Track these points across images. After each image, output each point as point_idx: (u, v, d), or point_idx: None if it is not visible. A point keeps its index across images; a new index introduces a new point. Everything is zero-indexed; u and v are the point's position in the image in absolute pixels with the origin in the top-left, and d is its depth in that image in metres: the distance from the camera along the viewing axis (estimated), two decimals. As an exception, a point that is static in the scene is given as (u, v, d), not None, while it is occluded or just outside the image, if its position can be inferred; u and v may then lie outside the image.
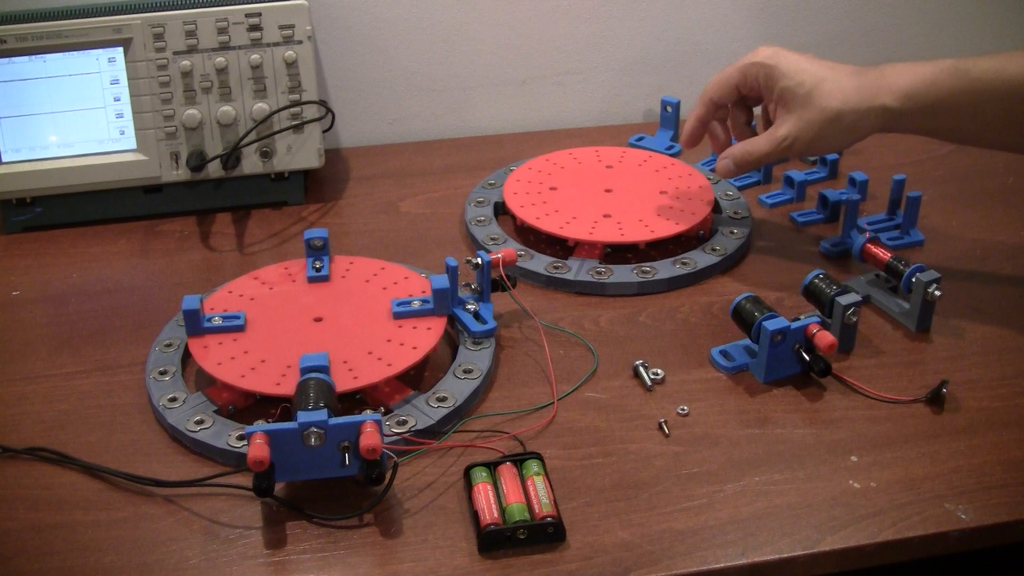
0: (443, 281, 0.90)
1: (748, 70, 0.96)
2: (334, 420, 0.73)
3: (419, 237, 1.09)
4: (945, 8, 1.38)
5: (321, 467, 0.74)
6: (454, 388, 0.84)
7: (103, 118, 1.10)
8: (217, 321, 0.89)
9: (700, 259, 1.01)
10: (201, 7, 1.08)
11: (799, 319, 0.87)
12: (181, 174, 1.12)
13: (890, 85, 0.90)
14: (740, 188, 1.15)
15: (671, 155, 1.21)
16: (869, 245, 0.98)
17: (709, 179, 1.13)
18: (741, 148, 0.98)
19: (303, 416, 0.73)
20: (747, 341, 0.89)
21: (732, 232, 1.05)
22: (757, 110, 1.01)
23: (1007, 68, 0.86)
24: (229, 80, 1.10)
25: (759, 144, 0.96)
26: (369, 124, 1.32)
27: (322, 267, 0.96)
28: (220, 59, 1.09)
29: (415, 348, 0.86)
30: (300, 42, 1.10)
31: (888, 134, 0.94)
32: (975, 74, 0.87)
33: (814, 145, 0.93)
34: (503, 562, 0.71)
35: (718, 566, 0.71)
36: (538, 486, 0.74)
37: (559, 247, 1.04)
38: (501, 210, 1.10)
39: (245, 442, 0.75)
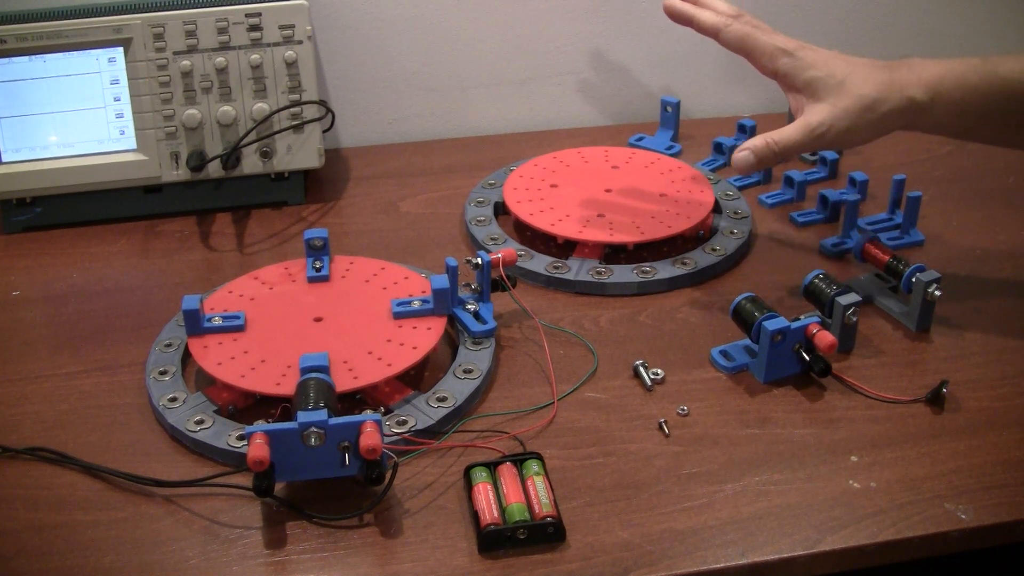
0: (443, 281, 0.90)
1: (776, 52, 0.90)
2: (334, 420, 0.73)
3: (419, 237, 1.09)
4: (945, 8, 1.38)
5: (321, 467, 0.74)
6: (454, 388, 0.84)
7: (103, 118, 1.10)
8: (217, 321, 0.89)
9: (700, 259, 1.01)
10: (201, 7, 1.08)
11: (799, 319, 0.87)
12: (181, 174, 1.12)
13: (919, 77, 0.87)
14: (740, 188, 1.15)
15: (671, 155, 1.21)
16: (869, 245, 0.98)
17: (710, 179, 1.13)
18: (763, 139, 0.90)
19: (303, 416, 0.73)
20: (747, 341, 0.89)
21: (732, 232, 1.05)
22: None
23: None
24: (229, 80, 1.10)
25: (788, 133, 0.89)
26: (369, 124, 1.32)
27: (322, 267, 0.96)
28: (220, 59, 1.09)
29: (415, 348, 0.86)
30: (300, 42, 1.10)
31: (890, 134, 0.93)
32: (1003, 73, 0.85)
33: (847, 135, 0.89)
34: (503, 562, 0.71)
35: (718, 566, 0.71)
36: (538, 486, 0.74)
37: (559, 247, 1.04)
38: (501, 210, 1.10)
39: (245, 442, 0.75)
